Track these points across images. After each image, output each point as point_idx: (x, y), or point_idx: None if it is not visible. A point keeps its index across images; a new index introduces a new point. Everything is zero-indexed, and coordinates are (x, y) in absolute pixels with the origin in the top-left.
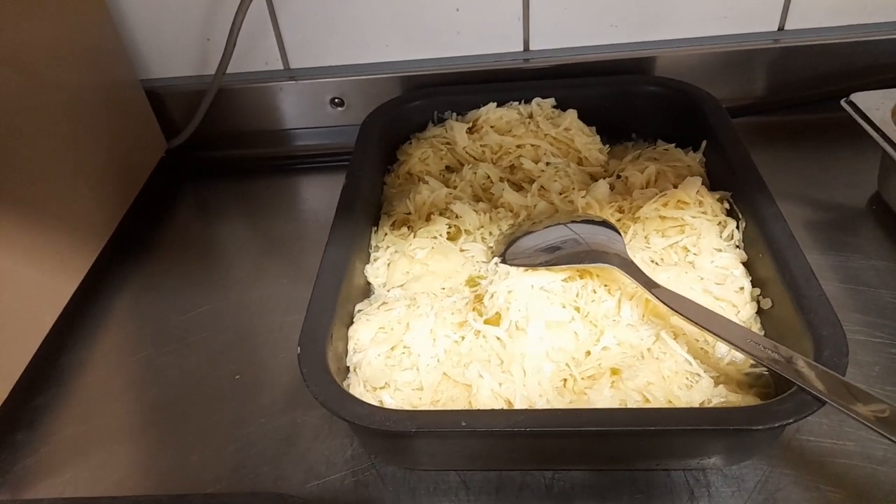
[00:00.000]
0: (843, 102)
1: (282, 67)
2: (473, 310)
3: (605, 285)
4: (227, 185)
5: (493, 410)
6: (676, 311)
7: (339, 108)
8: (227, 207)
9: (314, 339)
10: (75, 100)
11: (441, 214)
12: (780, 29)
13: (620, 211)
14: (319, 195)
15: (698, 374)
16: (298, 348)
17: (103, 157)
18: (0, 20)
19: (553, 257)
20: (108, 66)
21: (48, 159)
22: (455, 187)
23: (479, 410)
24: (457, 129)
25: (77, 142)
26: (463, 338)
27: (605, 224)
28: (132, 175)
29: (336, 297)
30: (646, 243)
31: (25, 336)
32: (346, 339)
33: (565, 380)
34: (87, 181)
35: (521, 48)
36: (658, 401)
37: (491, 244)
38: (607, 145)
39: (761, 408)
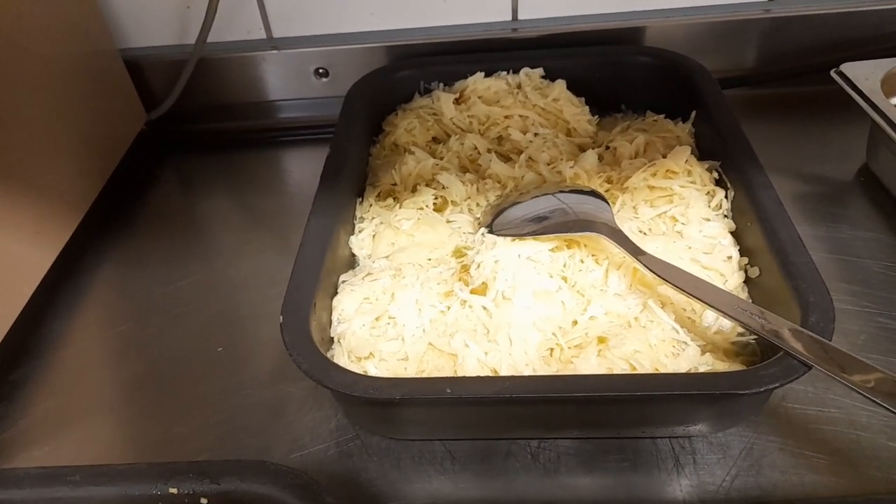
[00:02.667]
0: (832, 73)
1: (264, 37)
2: (459, 280)
3: (593, 255)
4: (210, 158)
5: (478, 378)
6: (664, 279)
7: (324, 79)
8: (209, 180)
9: (297, 308)
10: (52, 70)
11: (427, 185)
12: None
13: (609, 181)
14: (304, 168)
15: (685, 343)
16: (281, 317)
17: (81, 129)
18: None
19: (540, 227)
20: (86, 36)
21: (24, 130)
22: (442, 158)
23: (464, 377)
24: (444, 100)
25: (54, 113)
26: (449, 308)
27: (593, 194)
28: (111, 147)
29: (320, 267)
30: (634, 213)
31: (2, 308)
32: (330, 310)
33: (552, 349)
34: (64, 153)
35: (510, 17)
36: (645, 369)
37: (478, 215)
38: (596, 116)
39: (748, 372)
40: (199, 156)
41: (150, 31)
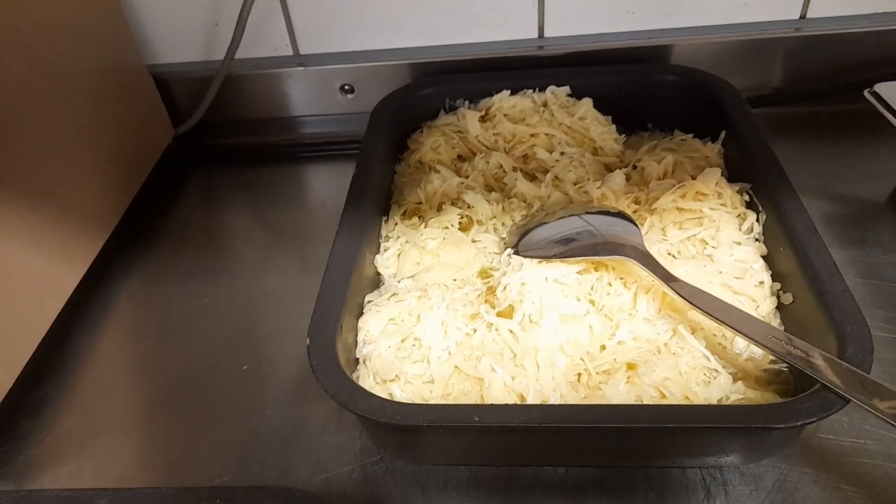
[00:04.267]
0: (866, 93)
1: (291, 53)
2: (486, 302)
3: (621, 278)
4: (235, 173)
5: (506, 405)
6: (694, 306)
7: (349, 96)
8: (234, 196)
9: (323, 330)
10: (81, 85)
11: (453, 204)
12: (802, 17)
13: (637, 202)
14: (328, 184)
15: (716, 370)
16: (308, 339)
17: (110, 144)
18: (6, 3)
19: (567, 249)
20: (114, 51)
21: (53, 145)
22: (467, 177)
23: (491, 405)
24: (469, 118)
25: (83, 128)
26: (475, 330)
27: (620, 215)
28: (139, 162)
29: (346, 287)
30: (663, 235)
31: (30, 325)
32: (355, 331)
33: (579, 374)
34: (93, 168)
35: (536, 35)
36: (675, 397)
37: (504, 235)
38: (623, 135)
39: (783, 405)
40: (224, 170)
41: (179, 48)
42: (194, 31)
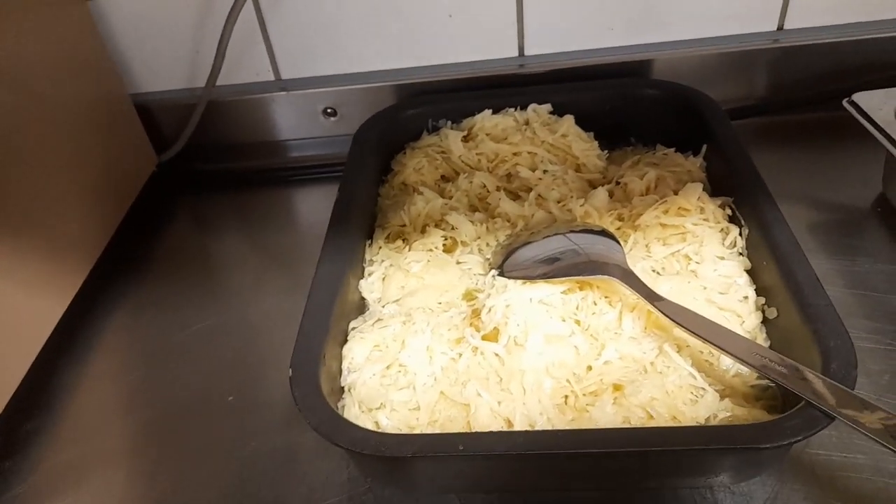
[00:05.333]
0: (844, 103)
1: (273, 78)
2: (471, 325)
3: (606, 297)
4: (221, 199)
5: (491, 433)
6: (680, 325)
7: (333, 118)
8: (220, 221)
9: (306, 360)
10: (63, 115)
11: (436, 226)
12: (780, 28)
13: (620, 219)
14: (314, 206)
15: (703, 389)
16: (290, 370)
17: (93, 173)
18: None
19: (552, 269)
20: (96, 81)
21: (35, 176)
22: (451, 197)
23: (476, 433)
24: (452, 138)
25: (66, 158)
26: (460, 355)
27: (604, 233)
28: (123, 190)
29: (329, 315)
30: (647, 252)
31: (14, 359)
32: (340, 358)
33: (566, 396)
34: (76, 197)
35: (516, 53)
36: (662, 417)
37: (488, 256)
38: (606, 150)
39: (769, 425)
40: (210, 196)
41: (160, 76)
42: (176, 59)
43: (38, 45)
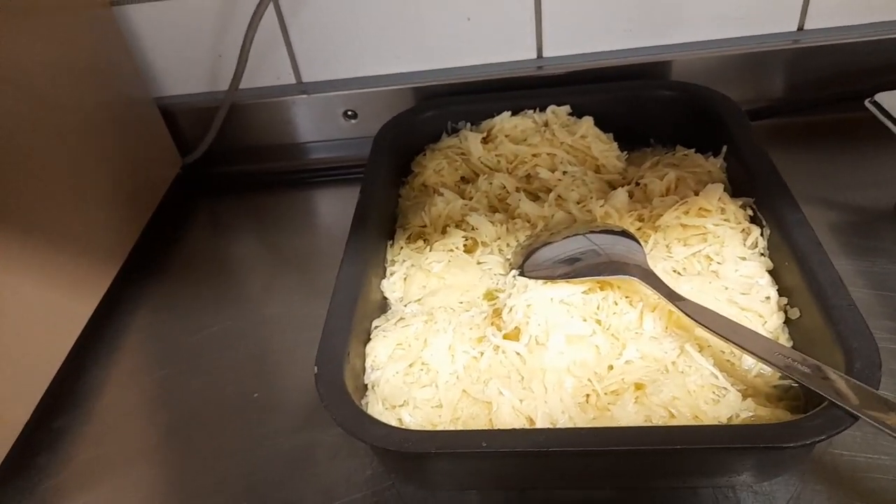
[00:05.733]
0: (867, 103)
1: (294, 81)
2: (492, 324)
3: (627, 297)
4: (242, 200)
5: (513, 430)
6: (702, 324)
7: (352, 121)
8: (242, 223)
9: (331, 358)
10: (89, 120)
11: (457, 227)
12: (800, 29)
13: (640, 219)
14: (334, 208)
15: (725, 388)
16: (315, 368)
17: (119, 177)
18: (11, 43)
19: (572, 269)
20: (120, 85)
21: (63, 181)
22: (471, 198)
23: (499, 430)
24: (471, 140)
25: (92, 162)
26: (482, 353)
27: (624, 234)
28: (148, 193)
29: (352, 314)
30: (667, 252)
31: (45, 359)
32: (363, 357)
33: (588, 395)
34: (103, 201)
35: (535, 55)
36: (684, 416)
37: (508, 256)
38: (625, 152)
39: (792, 424)
40: (231, 198)
41: (183, 80)
42: (199, 63)
43: (63, 50)
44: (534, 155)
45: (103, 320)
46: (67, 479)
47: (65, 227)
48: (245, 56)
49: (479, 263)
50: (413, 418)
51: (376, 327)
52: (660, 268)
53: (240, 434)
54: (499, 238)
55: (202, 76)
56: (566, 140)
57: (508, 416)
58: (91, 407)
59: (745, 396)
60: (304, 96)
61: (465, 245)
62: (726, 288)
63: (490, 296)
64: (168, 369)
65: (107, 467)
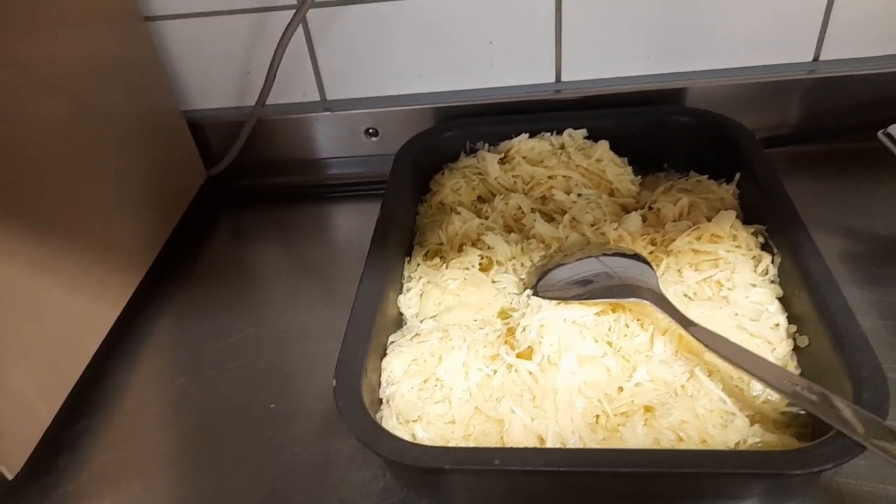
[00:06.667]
0: (880, 135)
1: (318, 98)
2: (506, 343)
3: (638, 319)
4: (265, 213)
5: (527, 449)
6: (712, 350)
7: (374, 138)
8: (264, 234)
9: (349, 371)
10: (120, 128)
11: (473, 245)
12: (815, 59)
13: (653, 243)
14: (353, 223)
15: (733, 414)
16: (334, 381)
17: (145, 185)
18: (50, 49)
19: (586, 290)
20: (152, 96)
21: (92, 186)
22: (487, 218)
23: (513, 448)
24: (489, 160)
25: (121, 169)
26: (495, 371)
27: (637, 257)
28: (173, 202)
29: (370, 329)
30: (679, 277)
31: (70, 361)
32: (379, 371)
33: (598, 416)
34: (130, 208)
35: (554, 79)
36: (692, 440)
37: (523, 276)
38: (639, 176)
39: (800, 451)
40: (254, 210)
41: (212, 94)
42: (227, 78)
43: (99, 60)
44: (550, 177)
45: (127, 325)
46: (86, 481)
47: (92, 232)
48: (273, 73)
49: (493, 282)
50: (426, 433)
51: (392, 342)
52: (671, 292)
53: (257, 442)
54: (514, 258)
55: (230, 91)
56: (582, 163)
57: (519, 434)
58: (112, 411)
59: (752, 422)
60: (328, 113)
61: (480, 264)
62: (736, 314)
63: (504, 314)
64: (189, 375)
65: (126, 471)
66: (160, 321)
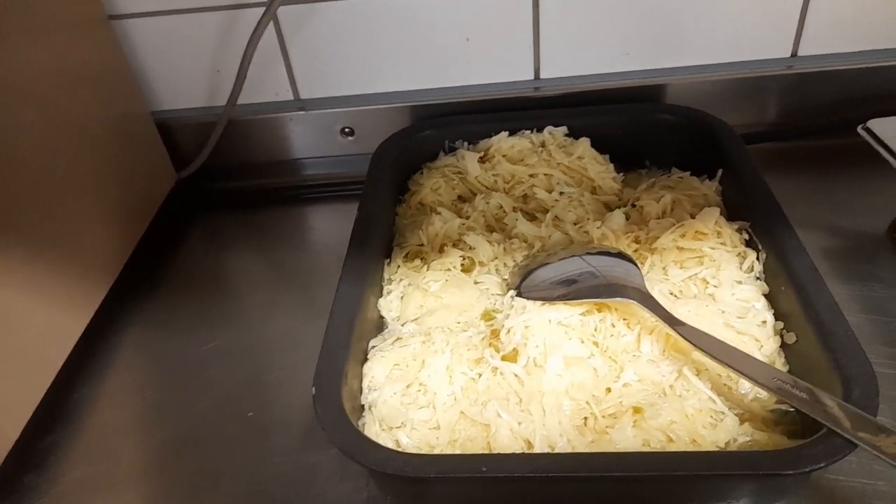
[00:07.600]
0: (859, 129)
1: (292, 98)
2: (490, 345)
3: (624, 319)
4: (238, 216)
5: (513, 455)
6: (700, 349)
7: (350, 138)
8: (237, 238)
9: (329, 379)
10: (85, 132)
11: (454, 246)
12: (794, 55)
13: (637, 241)
14: (330, 224)
15: (722, 413)
16: (313, 389)
17: (114, 190)
18: (10, 53)
19: (570, 290)
20: (118, 99)
21: (57, 193)
22: (468, 218)
23: (499, 455)
24: (468, 159)
25: (87, 174)
26: (480, 375)
27: (621, 256)
28: (142, 207)
29: (350, 334)
30: (664, 275)
31: (35, 375)
32: (360, 377)
33: (586, 418)
34: (97, 213)
35: (532, 76)
36: (682, 441)
37: (505, 276)
38: (621, 173)
39: (791, 451)
40: (228, 213)
41: (182, 95)
42: (197, 78)
43: (61, 63)
44: (531, 175)
45: (95, 336)
46: (55, 499)
47: (57, 240)
48: (244, 72)
49: (476, 283)
50: (410, 440)
51: (373, 347)
52: (656, 290)
53: (234, 454)
54: (496, 258)
55: (200, 91)
56: (563, 161)
57: (506, 438)
58: (81, 425)
59: (742, 421)
60: (302, 113)
61: (462, 265)
62: (723, 311)
63: (488, 316)
64: (162, 387)
65: (96, 488)
66: (130, 331)
